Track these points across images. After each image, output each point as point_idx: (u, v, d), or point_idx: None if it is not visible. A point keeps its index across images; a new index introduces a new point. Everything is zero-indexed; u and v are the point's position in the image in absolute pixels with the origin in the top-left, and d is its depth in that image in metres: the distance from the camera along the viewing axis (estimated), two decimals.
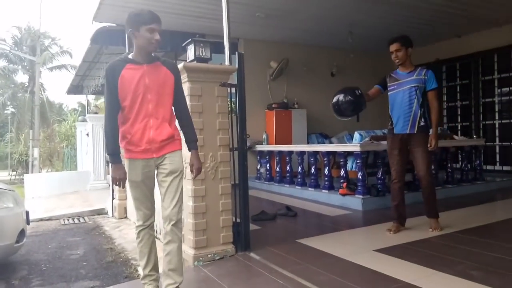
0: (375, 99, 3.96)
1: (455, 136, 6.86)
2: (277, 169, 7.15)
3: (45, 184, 9.93)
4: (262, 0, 6.31)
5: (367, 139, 5.61)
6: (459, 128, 9.12)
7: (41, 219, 6.09)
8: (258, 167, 7.84)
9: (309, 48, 9.13)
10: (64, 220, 6.06)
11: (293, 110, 8.70)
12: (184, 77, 3.07)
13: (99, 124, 9.75)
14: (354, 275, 2.81)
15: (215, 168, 3.26)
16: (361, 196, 5.12)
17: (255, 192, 6.89)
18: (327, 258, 3.16)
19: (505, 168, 8.29)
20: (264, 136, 8.35)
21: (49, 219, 6.16)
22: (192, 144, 2.60)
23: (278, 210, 4.95)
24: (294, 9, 6.78)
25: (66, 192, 9.59)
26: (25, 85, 27.19)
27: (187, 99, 3.04)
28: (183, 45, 3.49)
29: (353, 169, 5.69)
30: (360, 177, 5.21)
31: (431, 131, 3.76)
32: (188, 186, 3.17)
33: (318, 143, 8.53)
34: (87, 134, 10.64)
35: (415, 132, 3.68)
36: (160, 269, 2.56)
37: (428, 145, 3.68)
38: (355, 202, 5.15)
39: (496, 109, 8.55)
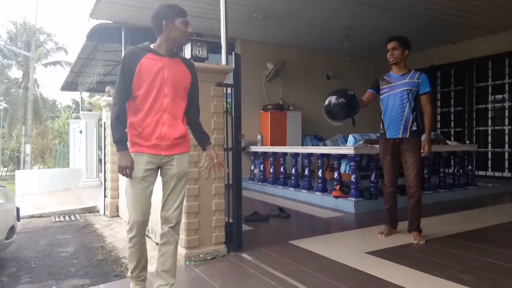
0: (370, 104, 3.82)
1: (448, 141, 6.92)
2: (271, 170, 7.15)
3: (37, 181, 9.84)
4: (260, 1, 6.32)
5: (361, 142, 5.63)
6: (452, 133, 9.19)
7: (32, 216, 6.02)
8: (252, 168, 7.84)
9: (306, 50, 9.17)
10: (55, 217, 6.01)
11: (288, 111, 8.71)
12: None
13: (92, 122, 9.70)
14: (346, 277, 2.81)
15: (209, 167, 3.25)
16: (354, 199, 5.15)
17: (248, 193, 6.89)
18: (319, 260, 3.16)
19: (497, 174, 8.38)
20: (259, 137, 8.35)
21: (40, 216, 6.10)
22: (207, 141, 2.58)
23: (271, 211, 4.95)
24: (292, 12, 6.79)
25: (57, 189, 9.50)
26: (19, 81, 26.92)
27: None
28: None
29: (347, 172, 5.71)
30: (353, 180, 5.23)
31: (423, 136, 3.68)
32: None
33: (313, 145, 8.55)
34: (80, 132, 10.58)
35: (407, 136, 3.59)
36: (153, 268, 2.53)
37: (421, 151, 3.59)
38: (348, 205, 5.17)
39: (489, 115, 8.63)
